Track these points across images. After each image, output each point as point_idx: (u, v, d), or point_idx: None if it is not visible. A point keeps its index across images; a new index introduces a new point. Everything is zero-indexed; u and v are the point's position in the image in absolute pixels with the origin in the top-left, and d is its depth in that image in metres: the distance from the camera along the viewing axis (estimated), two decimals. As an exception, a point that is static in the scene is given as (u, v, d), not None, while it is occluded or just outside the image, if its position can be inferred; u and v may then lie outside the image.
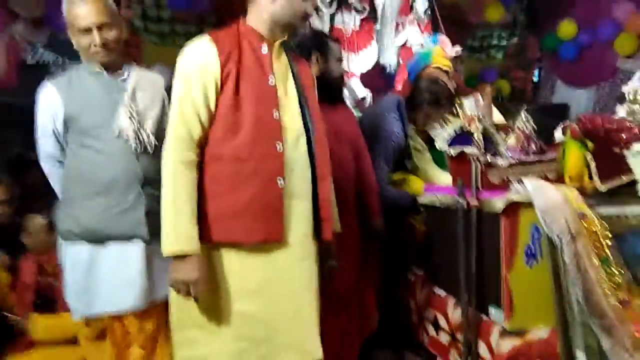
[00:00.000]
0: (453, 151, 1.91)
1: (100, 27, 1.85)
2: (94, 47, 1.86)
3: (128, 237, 1.89)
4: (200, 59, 1.56)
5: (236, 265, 1.58)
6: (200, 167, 1.57)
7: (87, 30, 1.85)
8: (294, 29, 1.68)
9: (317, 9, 3.76)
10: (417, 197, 2.36)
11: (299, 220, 1.62)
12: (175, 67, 1.62)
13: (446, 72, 2.72)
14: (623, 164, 1.70)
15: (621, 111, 1.85)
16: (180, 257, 1.51)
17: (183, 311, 1.61)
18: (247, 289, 1.58)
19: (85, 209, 1.89)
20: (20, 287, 2.54)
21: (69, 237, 1.92)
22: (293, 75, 1.68)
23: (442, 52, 2.68)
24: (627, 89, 1.88)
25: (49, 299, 2.49)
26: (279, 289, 1.59)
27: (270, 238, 1.58)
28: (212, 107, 1.56)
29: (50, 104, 1.90)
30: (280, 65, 1.65)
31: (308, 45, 2.29)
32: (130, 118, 1.89)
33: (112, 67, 1.93)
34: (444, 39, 2.69)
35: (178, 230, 1.52)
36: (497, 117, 2.70)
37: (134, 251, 1.90)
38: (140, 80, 1.97)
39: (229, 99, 1.55)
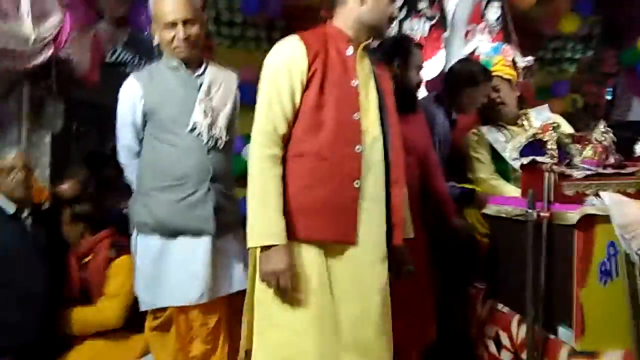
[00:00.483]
0: (525, 160, 1.84)
1: (184, 22, 1.92)
2: (177, 42, 1.94)
3: (197, 231, 1.94)
4: (289, 56, 1.60)
5: (312, 262, 1.57)
6: (283, 161, 1.60)
7: (172, 25, 1.93)
8: (380, 31, 1.70)
9: (386, 15, 3.77)
10: (483, 205, 2.31)
11: (372, 223, 1.62)
12: (264, 64, 1.65)
13: (508, 80, 2.65)
14: None
15: None
16: (269, 248, 1.52)
17: (265, 315, 1.59)
18: (320, 284, 1.57)
19: (158, 201, 1.95)
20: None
21: (142, 229, 1.99)
22: (375, 80, 1.70)
23: (505, 60, 2.61)
24: None
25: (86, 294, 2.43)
26: (348, 289, 1.59)
27: (343, 239, 1.59)
28: (297, 104, 1.59)
29: (131, 95, 1.98)
30: (364, 68, 1.67)
31: (391, 50, 2.30)
32: (204, 113, 1.95)
33: (190, 63, 2.00)
34: (507, 47, 2.62)
35: (266, 222, 1.53)
36: (567, 126, 2.59)
37: (202, 246, 1.95)
38: (216, 76, 2.04)
39: (313, 98, 1.58)
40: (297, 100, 1.58)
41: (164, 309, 2.00)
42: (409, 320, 2.19)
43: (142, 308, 2.05)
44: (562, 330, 1.67)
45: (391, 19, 1.69)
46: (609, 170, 1.77)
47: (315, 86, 1.58)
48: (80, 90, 3.26)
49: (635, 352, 1.49)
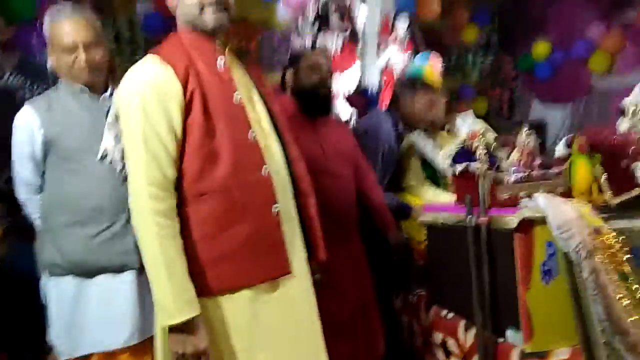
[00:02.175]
0: (459, 167, 1.86)
1: (86, 46, 1.76)
2: (78, 67, 1.76)
3: (118, 267, 1.77)
4: (154, 82, 1.33)
5: (241, 314, 1.38)
6: (179, 209, 1.36)
7: (72, 48, 1.76)
8: (200, 26, 1.41)
9: (298, 33, 3.75)
10: (419, 216, 2.31)
11: (295, 244, 1.48)
12: (120, 98, 1.40)
13: (437, 89, 2.72)
14: (631, 178, 1.69)
15: (623, 125, 1.85)
16: (183, 325, 1.29)
17: None
18: (259, 337, 1.38)
19: (69, 239, 1.76)
20: None
21: (53, 271, 1.79)
22: (254, 86, 1.51)
23: (433, 69, 2.67)
24: (627, 102, 1.88)
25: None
26: (291, 328, 1.43)
27: (278, 273, 1.41)
28: (180, 137, 1.34)
29: (28, 126, 1.77)
30: (239, 77, 1.47)
31: (284, 66, 2.26)
32: (116, 139, 1.79)
33: (95, 87, 1.83)
34: (434, 56, 2.68)
35: (177, 295, 1.29)
36: (490, 133, 2.69)
37: (125, 283, 1.77)
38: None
39: (200, 125, 1.34)
40: (179, 133, 1.33)
41: (86, 357, 1.79)
42: (357, 335, 2.14)
43: (61, 359, 1.82)
44: (510, 334, 1.68)
45: (202, 5, 1.39)
46: (537, 172, 1.83)
47: (198, 110, 1.34)
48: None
49: (582, 348, 1.53)
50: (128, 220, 1.75)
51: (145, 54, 3.97)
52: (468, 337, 1.86)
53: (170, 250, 1.31)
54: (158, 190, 1.31)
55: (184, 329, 1.29)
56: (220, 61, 1.43)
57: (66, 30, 1.74)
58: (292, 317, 1.44)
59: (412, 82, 2.67)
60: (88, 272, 1.76)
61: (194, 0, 1.38)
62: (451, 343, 1.96)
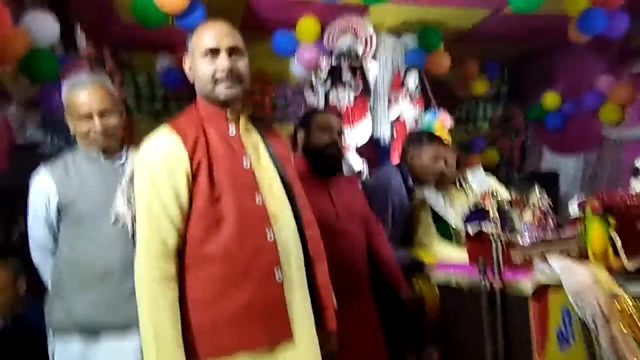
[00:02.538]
0: (471, 230, 1.86)
1: (101, 114, 1.82)
2: (94, 134, 1.82)
3: (122, 325, 1.76)
4: (164, 153, 1.38)
5: None
6: (182, 272, 1.38)
7: (88, 117, 1.81)
8: (212, 98, 1.45)
9: (312, 86, 3.85)
10: (431, 274, 2.30)
11: (301, 312, 1.43)
12: (135, 167, 1.46)
13: (446, 144, 2.75)
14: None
15: (637, 185, 1.84)
16: None
17: None
18: None
19: (78, 300, 1.76)
20: None
21: (59, 330, 1.79)
22: (268, 151, 1.52)
23: (442, 126, 2.71)
24: (639, 162, 1.88)
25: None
26: None
27: (278, 337, 1.39)
28: (186, 205, 1.37)
29: (43, 190, 1.82)
30: (253, 143, 1.50)
31: (295, 126, 2.30)
32: (128, 203, 1.82)
33: (110, 152, 1.88)
34: (443, 114, 2.72)
35: None
36: (502, 190, 2.69)
37: (130, 345, 1.75)
38: (131, 166, 1.91)
39: (205, 193, 1.37)
40: (185, 200, 1.37)
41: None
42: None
43: None
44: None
45: (216, 81, 1.43)
46: (551, 235, 1.82)
47: (204, 179, 1.37)
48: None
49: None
50: None
51: (164, 109, 4.05)
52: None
53: (161, 320, 1.32)
54: (156, 259, 1.34)
55: None
56: (232, 129, 1.48)
57: (82, 100, 1.80)
58: None
59: (418, 136, 2.71)
60: (93, 329, 1.75)
61: (207, 74, 1.43)
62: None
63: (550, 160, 5.07)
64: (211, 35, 1.43)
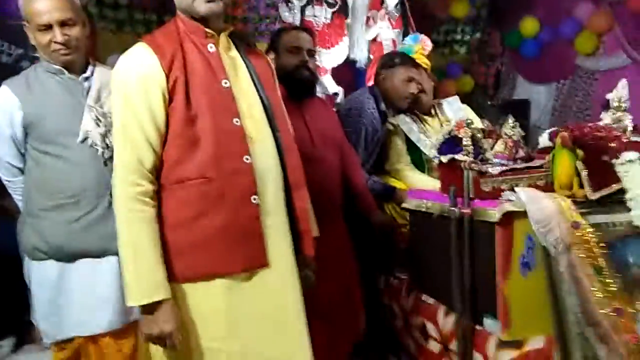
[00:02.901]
0: (444, 159, 1.88)
1: (62, 24, 1.71)
2: (55, 45, 1.72)
3: (98, 252, 1.77)
4: (139, 71, 1.36)
5: (218, 302, 1.39)
6: (158, 194, 1.38)
7: (48, 27, 1.70)
8: (194, 13, 1.41)
9: (287, 1, 3.67)
10: (402, 199, 2.35)
11: (278, 237, 1.45)
12: (111, 85, 1.43)
13: (425, 69, 2.71)
14: (612, 173, 1.72)
15: (607, 119, 1.87)
16: (150, 307, 1.32)
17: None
18: (235, 326, 1.40)
19: (51, 223, 1.76)
20: None
21: (34, 255, 1.79)
22: (249, 71, 1.49)
23: (423, 50, 2.66)
24: (611, 96, 1.90)
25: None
26: (270, 318, 1.44)
27: (254, 263, 1.41)
28: (162, 124, 1.36)
29: (7, 106, 1.75)
30: (234, 62, 1.47)
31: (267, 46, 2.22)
32: (96, 121, 1.77)
33: (74, 67, 1.79)
34: (424, 37, 2.66)
35: (142, 277, 1.32)
36: (476, 120, 2.70)
37: (107, 268, 1.79)
38: (105, 79, 1.82)
39: (181, 112, 1.36)
40: (161, 120, 1.36)
41: (70, 340, 1.82)
42: (339, 317, 2.20)
43: (46, 341, 1.87)
44: (488, 322, 1.74)
45: None
46: (521, 165, 1.86)
47: (180, 97, 1.35)
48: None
49: (556, 338, 1.59)
50: (110, 204, 1.75)
51: (128, 19, 3.80)
52: (447, 323, 1.93)
53: (139, 234, 1.33)
54: (132, 175, 1.34)
55: (151, 311, 1.32)
56: (211, 48, 1.42)
57: (41, 8, 1.69)
58: (271, 308, 1.45)
59: (391, 57, 2.66)
60: (69, 256, 1.77)
61: None
62: (430, 327, 2.03)
63: (523, 88, 5.10)
64: None
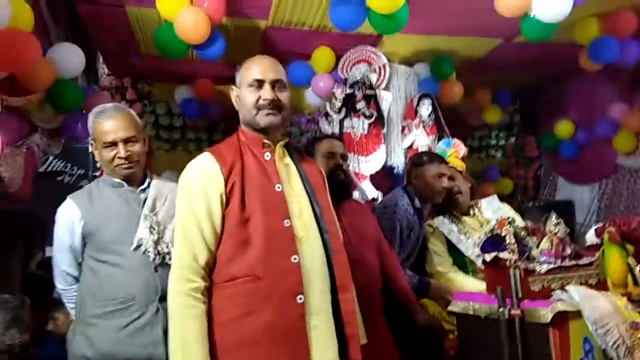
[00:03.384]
0: (488, 257, 1.86)
1: (126, 141, 1.88)
2: (118, 160, 1.87)
3: (146, 359, 1.77)
4: (201, 175, 1.49)
5: None
6: (210, 291, 1.45)
7: (113, 144, 1.87)
8: (256, 126, 1.56)
9: (327, 115, 3.91)
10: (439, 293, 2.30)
11: (323, 339, 1.45)
12: (178, 187, 1.56)
13: (460, 172, 2.77)
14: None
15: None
16: None
17: None
18: None
19: (100, 329, 1.79)
20: None
21: None
22: (301, 178, 1.59)
23: (456, 153, 2.73)
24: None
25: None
26: None
27: None
28: (218, 225, 1.46)
29: (69, 218, 1.88)
30: (287, 168, 1.58)
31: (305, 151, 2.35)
32: (150, 229, 1.86)
33: (133, 180, 1.94)
34: (457, 141, 2.76)
35: None
36: (518, 218, 2.69)
37: None
38: (160, 190, 1.96)
39: (236, 214, 1.45)
40: (218, 221, 1.45)
41: None
42: None
43: None
44: None
45: (260, 107, 1.54)
46: (569, 263, 1.81)
47: (236, 200, 1.46)
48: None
49: None
50: (158, 310, 1.79)
51: (182, 139, 4.13)
52: None
53: (188, 329, 1.38)
54: (187, 271, 1.42)
55: None
56: (267, 156, 1.56)
57: (108, 128, 1.87)
58: None
59: (419, 156, 2.74)
60: None
61: (251, 102, 1.55)
62: None
63: (564, 189, 5.05)
64: (258, 68, 1.57)
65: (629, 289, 1.67)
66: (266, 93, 1.54)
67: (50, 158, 4.14)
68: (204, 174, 1.50)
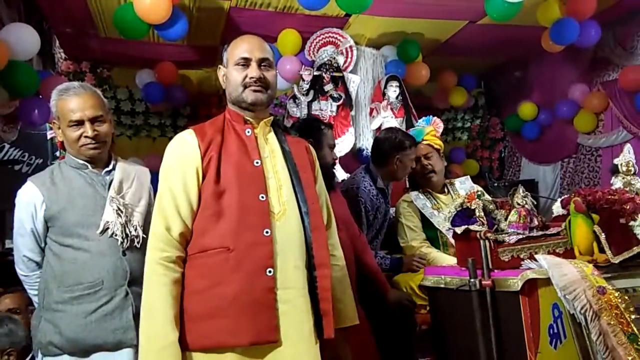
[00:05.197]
0: (458, 229, 1.87)
1: (93, 121, 1.81)
2: (85, 140, 1.80)
3: (114, 345, 1.72)
4: (180, 150, 1.52)
5: None
6: (185, 263, 1.46)
7: (79, 123, 1.80)
8: (242, 103, 1.56)
9: (294, 98, 3.87)
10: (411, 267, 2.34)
11: (294, 313, 1.42)
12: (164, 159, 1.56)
13: (437, 150, 2.78)
14: (631, 235, 1.70)
15: (617, 183, 1.89)
16: None
17: None
18: None
19: (67, 315, 1.72)
20: None
21: (49, 351, 1.73)
22: (285, 155, 1.59)
23: (435, 131, 2.75)
24: (618, 160, 1.93)
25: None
26: None
27: (261, 339, 1.38)
28: (194, 198, 1.47)
29: (30, 201, 1.79)
30: (269, 145, 1.58)
31: (303, 131, 2.30)
32: (117, 212, 1.80)
33: (98, 162, 1.86)
34: (436, 119, 2.77)
35: (152, 338, 1.37)
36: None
37: (121, 357, 1.72)
38: (126, 172, 1.90)
39: (212, 187, 1.46)
40: (193, 194, 1.47)
41: None
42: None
43: None
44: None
45: (246, 85, 1.55)
46: (537, 233, 1.84)
47: (212, 174, 1.47)
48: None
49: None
50: (127, 294, 1.74)
51: (145, 125, 4.03)
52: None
53: (156, 295, 1.39)
54: (159, 242, 1.44)
55: None
56: (248, 132, 1.55)
57: (74, 106, 1.79)
58: None
59: (402, 141, 2.72)
60: (84, 351, 1.71)
61: (238, 80, 1.55)
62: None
63: (528, 169, 5.17)
64: (245, 46, 1.57)
65: (595, 256, 1.71)
66: (253, 71, 1.54)
67: (7, 146, 3.97)
68: (182, 148, 1.52)
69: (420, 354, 2.29)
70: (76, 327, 1.71)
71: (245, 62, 1.56)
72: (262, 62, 1.57)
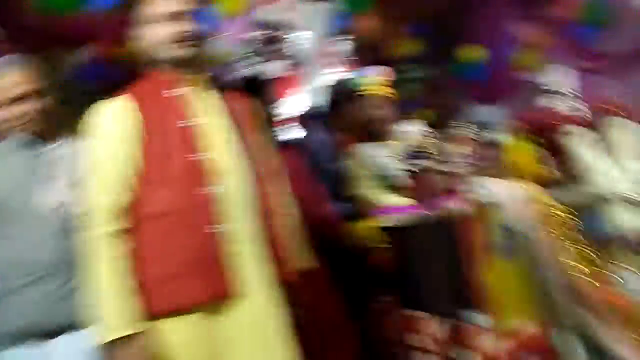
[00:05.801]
0: (414, 167, 1.93)
1: (28, 97, 1.74)
2: (19, 119, 1.74)
3: (69, 328, 1.64)
4: (110, 115, 1.45)
5: (193, 336, 1.38)
6: (130, 232, 1.41)
7: (14, 101, 1.74)
8: (171, 59, 1.49)
9: (240, 59, 3.81)
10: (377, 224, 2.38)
11: (250, 265, 1.45)
12: (88, 128, 1.50)
13: (387, 97, 2.81)
14: (567, 151, 1.80)
15: (542, 101, 1.97)
16: (120, 343, 1.32)
17: None
18: (219, 356, 1.39)
19: (17, 302, 1.64)
20: None
21: (7, 341, 1.65)
22: (224, 112, 1.56)
23: (386, 80, 2.76)
24: (544, 82, 2.00)
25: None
26: (250, 349, 1.42)
27: (220, 293, 1.40)
28: (131, 166, 1.43)
29: None
30: (205, 103, 1.54)
31: (244, 88, 2.29)
32: (58, 192, 1.75)
33: (38, 140, 1.80)
34: (386, 68, 2.78)
35: (111, 311, 1.33)
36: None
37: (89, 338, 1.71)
38: (67, 150, 1.84)
39: (148, 152, 1.43)
40: (130, 161, 1.42)
41: None
42: (331, 352, 2.13)
43: None
44: (478, 317, 1.74)
45: (180, 40, 1.47)
46: (483, 160, 1.93)
47: (147, 138, 1.43)
48: None
49: (547, 320, 1.60)
50: (75, 277, 1.67)
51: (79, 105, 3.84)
52: (442, 332, 1.90)
53: (104, 270, 1.36)
54: (106, 214, 1.39)
55: (122, 347, 1.32)
56: (177, 91, 1.50)
57: (9, 83, 1.71)
58: (251, 339, 1.43)
59: (349, 91, 2.72)
60: (52, 332, 1.64)
61: (168, 37, 1.46)
62: (428, 342, 1.97)
63: (478, 113, 5.27)
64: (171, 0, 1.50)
65: (539, 175, 1.81)
66: (187, 25, 1.48)
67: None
68: (112, 113, 1.46)
69: (382, 293, 2.36)
70: (40, 306, 1.62)
71: (176, 16, 1.48)
72: (190, 15, 1.50)
